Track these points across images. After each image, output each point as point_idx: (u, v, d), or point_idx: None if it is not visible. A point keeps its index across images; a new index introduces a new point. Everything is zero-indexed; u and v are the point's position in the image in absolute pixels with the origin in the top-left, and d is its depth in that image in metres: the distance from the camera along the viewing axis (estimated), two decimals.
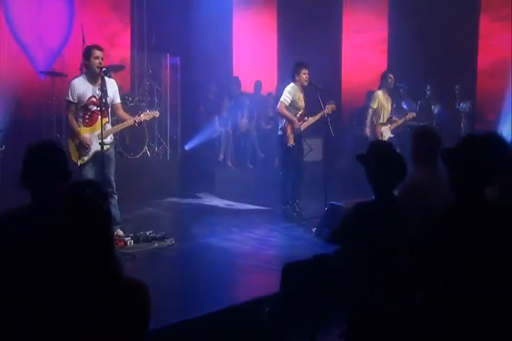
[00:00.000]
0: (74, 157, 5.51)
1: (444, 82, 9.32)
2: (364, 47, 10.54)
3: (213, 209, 7.71)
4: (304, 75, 6.90)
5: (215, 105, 9.35)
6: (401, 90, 8.53)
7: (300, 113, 7.02)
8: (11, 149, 6.72)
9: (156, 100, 8.84)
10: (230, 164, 9.15)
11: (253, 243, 6.01)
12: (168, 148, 8.74)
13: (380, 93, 7.71)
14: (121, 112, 5.69)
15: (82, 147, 5.49)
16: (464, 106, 9.34)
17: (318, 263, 3.73)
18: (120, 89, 5.88)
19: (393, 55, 10.07)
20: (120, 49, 9.23)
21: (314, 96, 7.02)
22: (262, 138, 9.37)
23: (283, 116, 6.96)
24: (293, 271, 3.79)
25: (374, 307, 3.10)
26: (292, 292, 3.71)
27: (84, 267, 1.73)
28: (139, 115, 5.64)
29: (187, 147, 9.27)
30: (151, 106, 8.51)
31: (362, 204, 3.67)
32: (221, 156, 9.06)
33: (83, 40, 7.57)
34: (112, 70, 8.09)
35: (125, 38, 9.41)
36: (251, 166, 9.30)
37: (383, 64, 9.85)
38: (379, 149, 3.67)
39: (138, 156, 8.27)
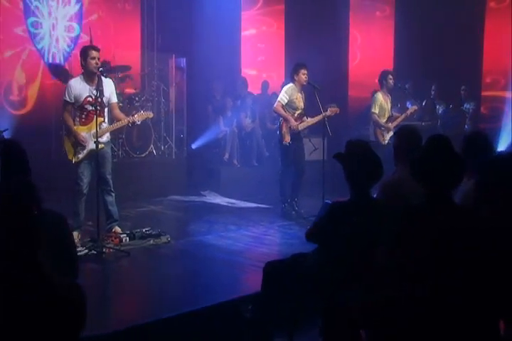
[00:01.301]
0: (70, 155, 5.62)
1: (448, 82, 9.29)
2: (370, 48, 10.53)
3: (214, 207, 7.76)
4: (303, 75, 6.95)
5: (222, 105, 9.42)
6: (406, 91, 8.34)
7: (298, 113, 7.08)
8: None
9: (163, 100, 8.94)
10: (235, 162, 9.18)
11: (248, 241, 6.06)
12: (173, 147, 8.83)
13: (379, 95, 7.50)
14: (116, 112, 5.75)
15: (78, 145, 5.57)
16: (468, 106, 9.29)
17: (296, 262, 3.79)
18: (118, 91, 5.96)
19: (399, 55, 10.06)
20: (130, 50, 9.34)
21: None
22: (268, 137, 9.39)
23: (278, 114, 7.13)
24: (273, 270, 3.86)
25: (347, 304, 3.15)
26: (272, 290, 3.77)
27: (11, 266, 1.75)
28: (133, 115, 5.75)
29: (194, 146, 9.34)
30: (157, 106, 8.63)
31: (337, 204, 3.71)
32: (226, 155, 9.10)
33: (91, 42, 7.71)
34: (118, 71, 8.26)
35: (135, 38, 9.53)
36: (256, 165, 9.32)
37: (389, 64, 9.84)
38: (355, 149, 3.70)
39: (144, 155, 8.39)
